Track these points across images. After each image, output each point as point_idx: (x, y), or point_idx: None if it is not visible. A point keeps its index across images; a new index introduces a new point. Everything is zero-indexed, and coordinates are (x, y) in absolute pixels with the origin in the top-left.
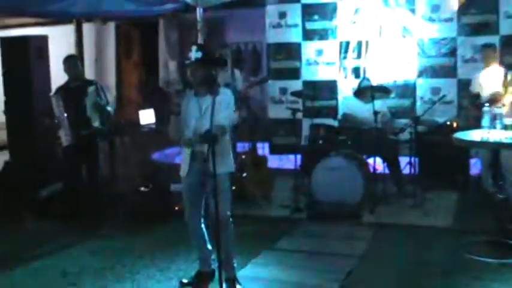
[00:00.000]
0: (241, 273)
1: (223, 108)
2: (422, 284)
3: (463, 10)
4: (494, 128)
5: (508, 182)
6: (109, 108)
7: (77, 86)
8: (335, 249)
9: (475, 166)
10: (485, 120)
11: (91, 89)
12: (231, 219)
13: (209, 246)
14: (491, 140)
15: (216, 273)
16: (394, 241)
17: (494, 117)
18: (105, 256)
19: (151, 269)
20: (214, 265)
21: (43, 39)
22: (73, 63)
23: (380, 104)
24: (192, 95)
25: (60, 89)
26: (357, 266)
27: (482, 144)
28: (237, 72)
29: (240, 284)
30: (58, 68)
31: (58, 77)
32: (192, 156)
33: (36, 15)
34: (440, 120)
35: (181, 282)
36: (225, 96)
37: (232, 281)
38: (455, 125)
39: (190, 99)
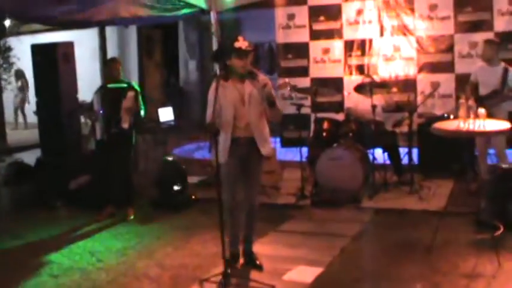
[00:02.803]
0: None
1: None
2: (404, 259)
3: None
4: (469, 117)
5: (486, 167)
6: (142, 113)
7: (117, 87)
8: (333, 231)
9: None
10: (461, 111)
11: (130, 94)
12: None
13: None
14: (464, 129)
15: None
16: (387, 223)
17: (469, 108)
18: (127, 238)
19: (167, 248)
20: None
21: (69, 46)
22: (111, 65)
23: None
24: (227, 84)
25: (100, 88)
26: (349, 244)
27: (456, 133)
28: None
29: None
30: (83, 70)
31: (84, 78)
32: (234, 141)
33: (61, 25)
34: (439, 113)
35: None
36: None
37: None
38: (452, 117)
39: (225, 88)
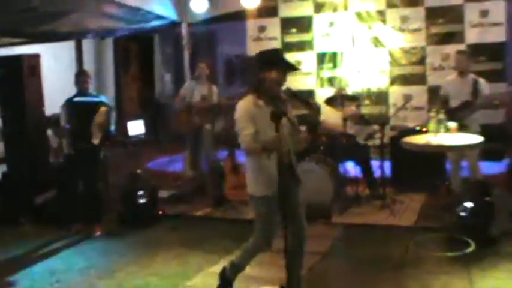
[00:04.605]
0: (212, 270)
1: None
2: (374, 278)
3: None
4: (439, 131)
5: (458, 180)
6: (112, 128)
7: (87, 102)
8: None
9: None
10: (432, 125)
11: (103, 109)
12: None
13: None
14: (434, 143)
15: None
16: (357, 240)
17: (439, 122)
18: (91, 256)
19: (131, 266)
20: None
21: (35, 58)
22: (81, 78)
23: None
24: (260, 103)
25: (67, 101)
26: (318, 262)
27: (426, 147)
28: (213, 87)
29: None
30: (59, 82)
31: (60, 90)
32: (280, 169)
33: (27, 37)
34: (412, 125)
35: None
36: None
37: None
38: (424, 129)
39: (260, 108)
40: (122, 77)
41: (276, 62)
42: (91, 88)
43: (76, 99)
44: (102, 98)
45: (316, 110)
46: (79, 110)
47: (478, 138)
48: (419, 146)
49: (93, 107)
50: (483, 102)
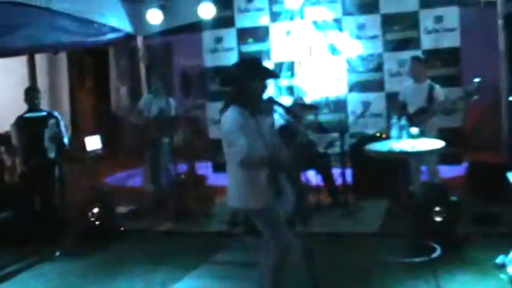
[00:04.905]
0: (177, 286)
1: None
2: (339, 286)
3: (387, 27)
4: (401, 138)
5: (418, 184)
6: (65, 140)
7: (36, 116)
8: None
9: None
10: (394, 131)
11: (52, 121)
12: None
13: None
14: (397, 149)
15: None
16: (321, 249)
17: (401, 128)
18: (50, 278)
19: (94, 287)
20: None
21: None
22: (32, 94)
23: None
24: (248, 115)
25: (18, 119)
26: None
27: (390, 154)
28: (171, 100)
29: None
30: (11, 99)
31: (12, 106)
32: (270, 179)
33: None
34: (371, 132)
35: None
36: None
37: None
38: (384, 135)
39: (246, 120)
40: (77, 91)
41: (257, 71)
42: (43, 104)
43: (26, 115)
44: (52, 111)
45: (298, 118)
46: (30, 126)
47: (439, 143)
48: (383, 153)
49: (43, 121)
50: (439, 107)
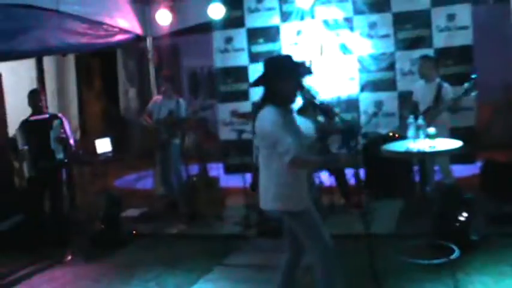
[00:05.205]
0: None
1: None
2: None
3: (398, 26)
4: (418, 138)
5: (432, 184)
6: (71, 141)
7: (41, 119)
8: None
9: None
10: (411, 131)
11: (56, 122)
12: None
13: None
14: (415, 149)
15: None
16: (336, 251)
17: (418, 128)
18: (62, 283)
19: None
20: None
21: None
22: (35, 97)
23: None
24: (285, 114)
25: (23, 123)
26: (301, 276)
27: (407, 154)
28: (181, 101)
29: None
30: (20, 102)
31: (21, 110)
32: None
33: None
34: (383, 131)
35: None
36: None
37: None
38: (397, 135)
39: (284, 120)
40: (86, 94)
41: (293, 69)
42: (51, 107)
43: (31, 118)
44: (58, 114)
45: (333, 118)
46: (35, 129)
47: (457, 143)
48: (400, 154)
49: (47, 123)
50: (444, 106)
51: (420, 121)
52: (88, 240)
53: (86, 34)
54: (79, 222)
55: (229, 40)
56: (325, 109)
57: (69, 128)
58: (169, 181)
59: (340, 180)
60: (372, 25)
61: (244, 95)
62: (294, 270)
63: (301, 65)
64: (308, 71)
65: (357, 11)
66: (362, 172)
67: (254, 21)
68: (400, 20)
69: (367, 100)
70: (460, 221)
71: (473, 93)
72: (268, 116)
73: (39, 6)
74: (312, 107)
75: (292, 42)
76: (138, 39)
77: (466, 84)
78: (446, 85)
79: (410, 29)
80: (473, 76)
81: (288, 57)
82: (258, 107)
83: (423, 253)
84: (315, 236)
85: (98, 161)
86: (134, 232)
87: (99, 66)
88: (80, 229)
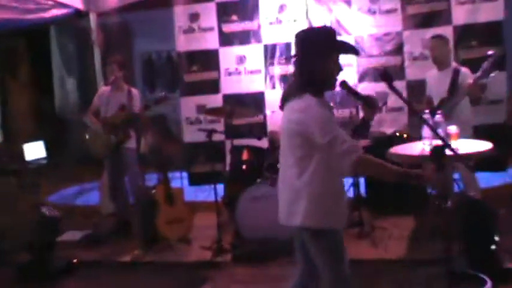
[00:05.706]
0: None
1: None
2: None
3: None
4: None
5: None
6: None
7: None
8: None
9: None
10: (426, 130)
11: None
12: None
13: None
14: None
15: None
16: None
17: (436, 126)
18: None
19: None
20: None
21: None
22: None
23: None
24: (330, 106)
25: None
26: None
27: (422, 160)
28: (134, 91)
29: None
30: None
31: None
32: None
33: None
34: (389, 131)
35: None
36: None
37: None
38: (405, 135)
39: (331, 112)
40: (8, 84)
41: (334, 45)
42: None
43: None
44: None
45: (374, 108)
46: None
47: (485, 145)
48: (415, 158)
49: None
50: (460, 97)
51: (438, 117)
52: (16, 270)
53: (11, 8)
54: (5, 248)
55: (194, 17)
56: (370, 100)
57: None
58: (121, 195)
59: None
60: None
61: (214, 86)
62: None
63: (344, 41)
64: (353, 49)
65: None
66: (363, 182)
67: None
68: None
69: (367, 92)
70: (489, 243)
71: (492, 74)
72: (314, 108)
73: None
74: (352, 96)
75: (273, 20)
76: (79, 15)
77: (484, 64)
78: (464, 70)
79: (423, 2)
80: (490, 53)
81: (328, 29)
82: (288, 95)
83: (441, 284)
84: (335, 263)
85: (26, 170)
86: (75, 261)
87: (26, 49)
88: (2, 260)
